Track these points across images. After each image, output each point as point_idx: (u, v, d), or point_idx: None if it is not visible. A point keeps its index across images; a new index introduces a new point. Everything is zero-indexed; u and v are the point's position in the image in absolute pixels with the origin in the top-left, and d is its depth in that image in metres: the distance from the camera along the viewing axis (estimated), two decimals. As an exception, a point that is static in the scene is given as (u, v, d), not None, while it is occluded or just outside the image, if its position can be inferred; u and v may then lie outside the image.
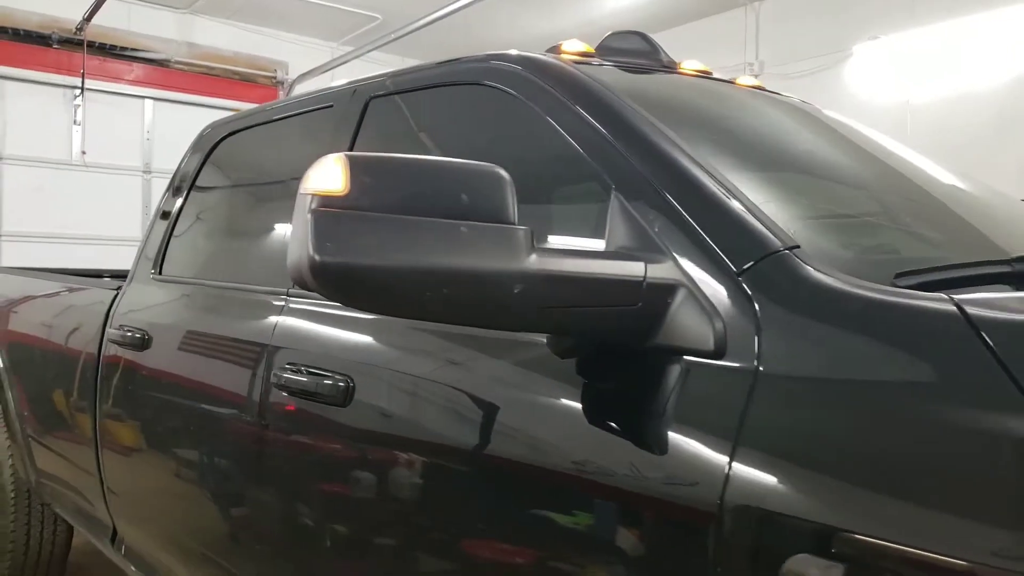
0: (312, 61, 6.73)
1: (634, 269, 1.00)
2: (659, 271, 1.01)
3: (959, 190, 1.66)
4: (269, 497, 1.61)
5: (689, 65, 1.77)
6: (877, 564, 0.76)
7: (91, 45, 5.82)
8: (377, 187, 0.92)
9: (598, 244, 1.13)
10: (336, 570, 1.45)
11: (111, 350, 2.25)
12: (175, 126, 5.57)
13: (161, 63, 6.22)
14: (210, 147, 2.42)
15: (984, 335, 0.79)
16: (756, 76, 5.88)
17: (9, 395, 3.13)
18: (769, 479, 0.86)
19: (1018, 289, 1.05)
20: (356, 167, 0.92)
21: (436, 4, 5.41)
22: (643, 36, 1.67)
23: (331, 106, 1.91)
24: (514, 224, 0.96)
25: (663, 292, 1.00)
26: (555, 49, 1.63)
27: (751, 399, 0.90)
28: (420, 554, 1.28)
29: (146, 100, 6.16)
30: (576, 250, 1.05)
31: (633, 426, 1.02)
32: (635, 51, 1.67)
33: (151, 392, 2.10)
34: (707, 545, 0.89)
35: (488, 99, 1.49)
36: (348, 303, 0.96)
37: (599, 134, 1.24)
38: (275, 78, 6.80)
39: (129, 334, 2.13)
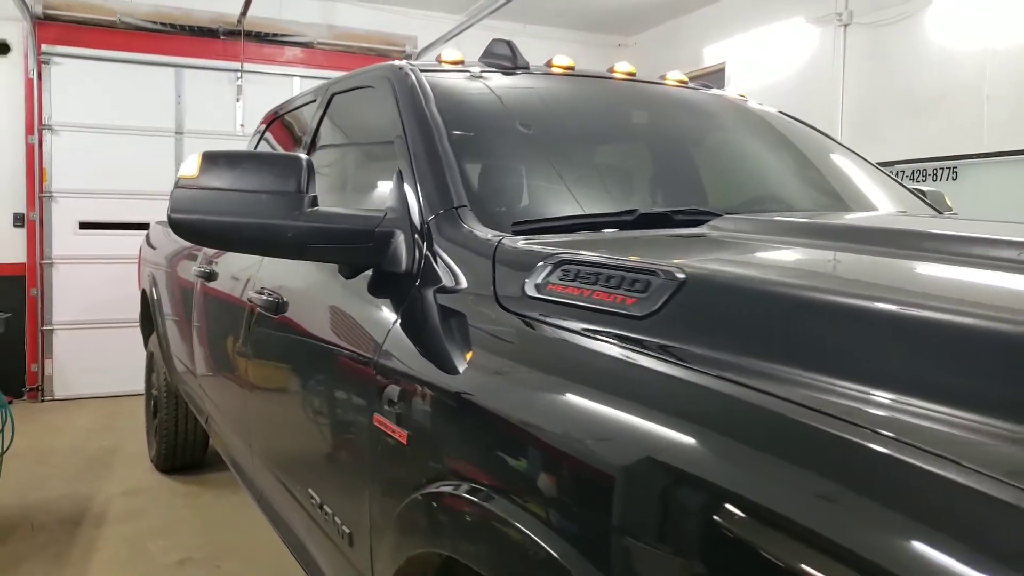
0: (438, 33, 7.44)
1: (371, 223, 1.61)
2: (389, 223, 1.62)
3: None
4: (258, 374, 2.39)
5: (558, 61, 2.28)
6: (425, 394, 1.34)
7: (248, 34, 6.89)
8: (219, 172, 1.59)
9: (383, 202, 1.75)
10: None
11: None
12: (319, 99, 6.53)
13: (306, 45, 7.21)
14: (261, 135, 3.24)
15: (496, 257, 1.35)
16: (845, 25, 5.89)
17: (159, 322, 4.19)
18: (405, 346, 1.46)
19: (623, 230, 1.56)
20: (207, 159, 1.60)
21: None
22: (508, 43, 2.20)
23: (314, 100, 2.62)
24: (303, 192, 1.59)
25: (386, 236, 1.61)
26: (438, 57, 2.21)
27: (409, 300, 1.51)
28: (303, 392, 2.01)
29: (294, 78, 7.18)
30: (335, 211, 1.66)
31: (367, 312, 1.65)
32: (501, 55, 2.21)
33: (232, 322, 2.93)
34: (372, 387, 1.50)
35: (373, 96, 2.12)
36: (191, 241, 1.65)
37: (402, 126, 1.85)
38: (404, 51, 7.62)
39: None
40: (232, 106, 6.93)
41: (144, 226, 5.25)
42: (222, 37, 6.86)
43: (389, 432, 1.36)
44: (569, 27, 8.37)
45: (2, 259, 6.45)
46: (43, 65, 6.38)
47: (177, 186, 1.57)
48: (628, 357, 1.01)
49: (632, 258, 1.16)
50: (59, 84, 6.43)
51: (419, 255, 1.53)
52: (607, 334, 1.06)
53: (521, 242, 1.37)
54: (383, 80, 2.06)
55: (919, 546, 0.60)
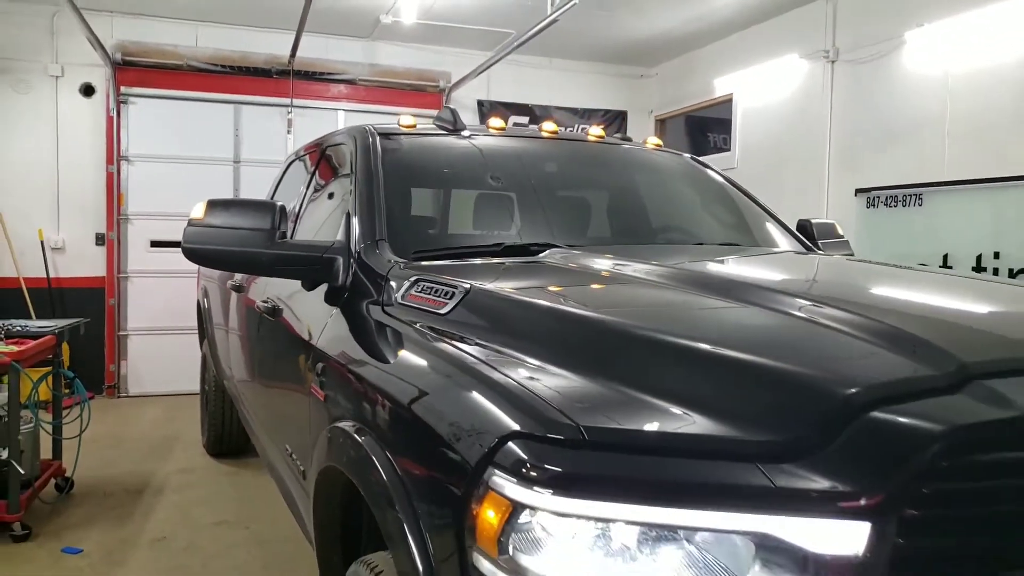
0: (469, 68, 8.16)
1: (320, 250, 2.29)
2: (333, 251, 2.29)
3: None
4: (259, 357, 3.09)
5: (493, 123, 2.93)
6: (333, 366, 2.01)
7: (297, 73, 7.75)
8: (218, 214, 2.29)
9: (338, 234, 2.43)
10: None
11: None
12: (361, 130, 7.33)
13: (349, 81, 8.03)
14: (288, 165, 3.99)
15: (388, 275, 2.01)
16: (832, 62, 6.38)
17: (209, 327, 4.98)
18: (328, 335, 2.13)
19: (494, 256, 2.20)
20: (210, 205, 2.30)
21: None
22: (451, 110, 2.87)
23: (317, 148, 3.34)
24: (275, 229, 2.28)
25: (331, 260, 2.28)
26: (398, 122, 2.87)
27: (340, 304, 2.18)
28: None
29: (339, 111, 8.01)
30: (296, 242, 2.33)
31: (316, 312, 2.32)
32: (446, 120, 2.87)
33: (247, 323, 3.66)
34: (311, 364, 2.16)
35: (346, 151, 2.80)
36: (199, 264, 2.35)
37: (354, 176, 2.53)
38: (439, 86, 8.37)
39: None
40: (283, 138, 7.79)
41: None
42: (274, 76, 7.73)
43: (316, 394, 2.03)
44: (593, 59, 8.98)
45: (86, 273, 7.43)
46: (121, 104, 7.35)
47: (189, 224, 2.28)
48: (433, 339, 1.65)
49: (446, 277, 1.81)
50: (134, 120, 7.40)
51: (351, 273, 2.21)
52: (427, 325, 1.71)
53: (403, 266, 2.04)
54: (351, 138, 2.75)
55: (482, 414, 1.25)
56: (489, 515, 1.15)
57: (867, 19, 6.06)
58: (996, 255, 4.88)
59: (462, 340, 1.57)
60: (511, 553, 1.12)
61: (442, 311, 1.70)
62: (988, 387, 1.13)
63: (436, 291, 1.79)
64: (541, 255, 2.15)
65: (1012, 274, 4.78)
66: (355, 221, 2.32)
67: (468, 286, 1.70)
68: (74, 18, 5.98)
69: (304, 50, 7.39)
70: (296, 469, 2.40)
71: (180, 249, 2.27)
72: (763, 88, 7.25)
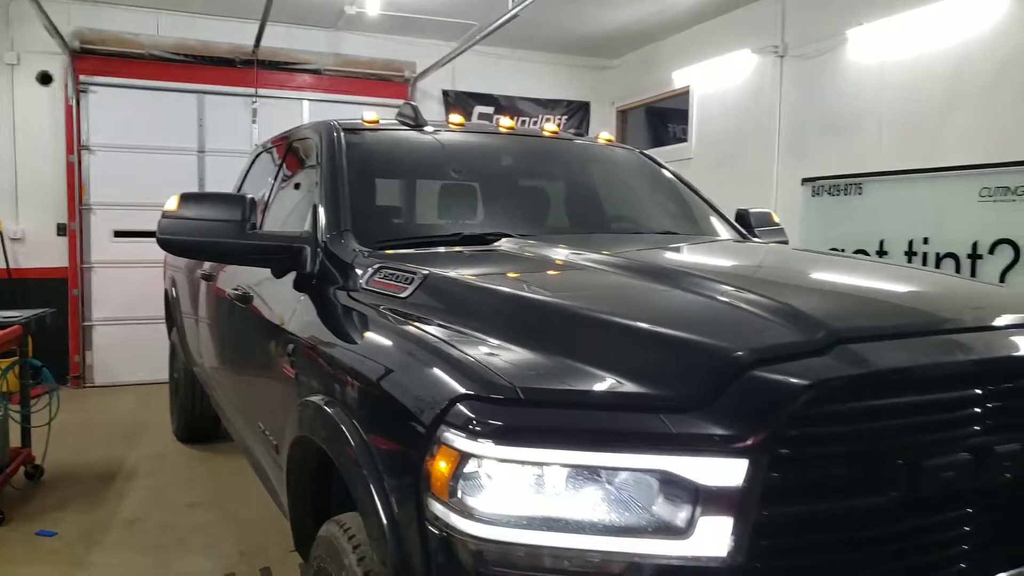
0: (434, 58, 8.27)
1: (289, 240, 2.46)
2: (301, 241, 2.46)
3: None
4: (232, 339, 3.25)
5: (453, 119, 3.11)
6: (302, 346, 2.19)
7: (262, 63, 7.83)
8: (191, 207, 2.45)
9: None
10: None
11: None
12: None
13: (314, 71, 8.12)
14: (255, 157, 4.12)
15: (353, 263, 2.20)
16: (781, 57, 6.65)
17: (178, 316, 5.10)
18: (298, 318, 2.31)
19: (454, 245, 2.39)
20: (183, 198, 2.46)
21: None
22: (413, 106, 3.04)
23: (284, 141, 3.49)
24: (246, 220, 2.44)
25: (299, 249, 2.45)
26: (361, 118, 3.04)
27: (308, 290, 2.35)
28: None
29: (304, 101, 8.10)
30: (266, 232, 2.51)
31: (286, 298, 2.49)
32: (407, 116, 3.05)
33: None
34: (283, 345, 2.34)
35: (312, 145, 2.96)
36: (174, 255, 2.51)
37: (320, 169, 2.70)
38: (404, 76, 8.49)
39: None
40: (248, 127, 7.87)
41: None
42: (238, 66, 7.79)
43: (288, 373, 2.22)
44: (556, 51, 9.17)
45: (48, 263, 7.45)
46: (81, 93, 7.36)
47: (163, 217, 2.43)
48: (394, 320, 1.85)
49: (407, 264, 2.01)
50: (95, 110, 7.42)
51: (318, 262, 2.39)
52: (389, 308, 1.90)
53: (367, 254, 2.22)
54: (317, 134, 2.92)
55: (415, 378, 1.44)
56: (441, 466, 1.35)
57: (813, 17, 6.33)
58: (926, 240, 5.19)
59: (420, 320, 1.77)
60: (460, 496, 1.32)
61: (403, 295, 1.90)
62: (851, 350, 1.37)
63: (397, 277, 1.98)
64: (495, 244, 2.35)
65: (939, 257, 5.09)
66: (322, 213, 2.49)
67: (426, 272, 1.90)
68: (30, 5, 5.99)
69: (268, 40, 7.46)
70: (270, 444, 2.58)
71: (154, 239, 2.42)
72: (718, 81, 7.50)
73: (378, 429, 1.62)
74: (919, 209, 5.20)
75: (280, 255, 2.43)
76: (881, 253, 5.47)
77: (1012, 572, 1.54)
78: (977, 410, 1.46)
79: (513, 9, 5.81)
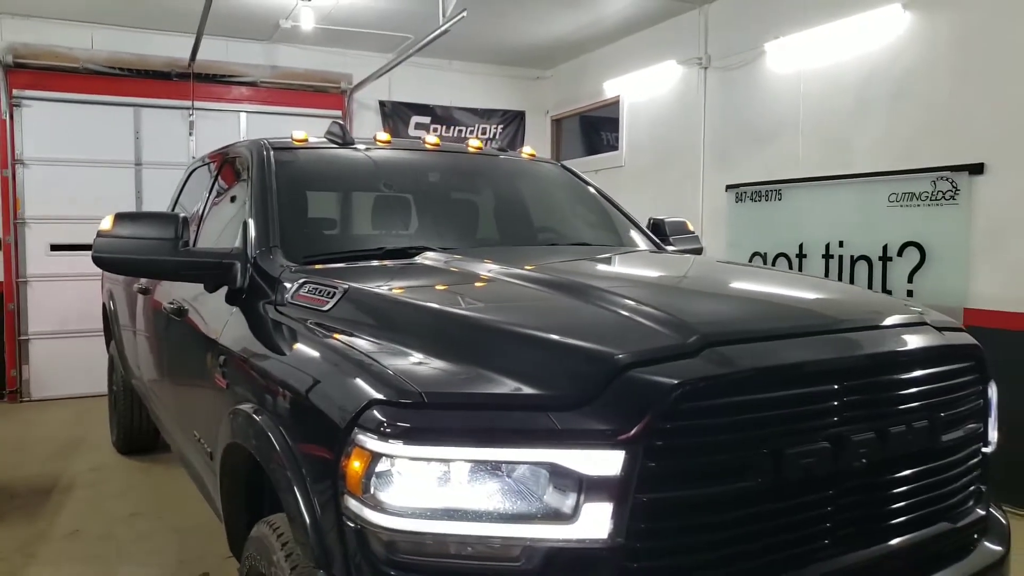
0: (371, 70, 8.38)
1: (219, 256, 2.57)
2: (232, 257, 2.58)
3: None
4: (163, 352, 3.34)
5: (380, 136, 3.25)
6: (233, 358, 2.31)
7: (198, 76, 7.84)
8: (125, 226, 2.54)
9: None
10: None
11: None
12: (265, 132, 7.38)
13: (251, 84, 8.16)
14: (188, 174, 4.20)
15: (280, 278, 2.32)
16: (705, 68, 6.94)
17: (116, 329, 5.12)
18: (229, 331, 2.42)
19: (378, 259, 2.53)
20: (118, 217, 2.56)
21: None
22: (340, 124, 3.18)
23: (218, 157, 3.58)
24: (179, 238, 2.55)
25: (229, 265, 2.57)
26: (291, 136, 3.16)
27: (239, 304, 2.47)
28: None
29: (241, 113, 8.13)
30: (198, 249, 2.62)
31: (219, 312, 2.60)
32: (336, 134, 3.18)
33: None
34: (215, 357, 2.46)
35: (245, 163, 3.07)
36: (110, 272, 2.60)
37: (250, 187, 2.81)
38: (340, 88, 8.58)
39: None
40: (185, 140, 7.87)
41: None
42: (175, 79, 7.79)
43: (220, 384, 2.33)
44: (492, 62, 9.35)
45: (-19, 278, 7.35)
46: (14, 107, 7.30)
47: (98, 236, 2.53)
48: (317, 332, 1.98)
49: (330, 279, 2.15)
50: (29, 124, 7.35)
51: (248, 276, 2.51)
52: (313, 321, 2.04)
53: (294, 269, 2.35)
54: (249, 152, 3.03)
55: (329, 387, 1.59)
56: (355, 465, 1.50)
57: (733, 30, 6.63)
58: (841, 244, 5.50)
59: (340, 332, 1.91)
60: (372, 492, 1.47)
61: (324, 308, 2.04)
62: (720, 352, 1.56)
63: (320, 291, 2.12)
64: (416, 258, 2.50)
65: (853, 260, 5.40)
66: (251, 229, 2.61)
67: (347, 286, 2.04)
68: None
69: (205, 52, 7.48)
70: (204, 451, 2.68)
71: (90, 256, 2.51)
72: (646, 91, 7.77)
73: (301, 435, 1.76)
74: (835, 214, 5.52)
75: (212, 271, 2.54)
76: (801, 256, 5.77)
77: (872, 548, 1.74)
78: (835, 403, 1.66)
79: (444, 25, 5.96)
